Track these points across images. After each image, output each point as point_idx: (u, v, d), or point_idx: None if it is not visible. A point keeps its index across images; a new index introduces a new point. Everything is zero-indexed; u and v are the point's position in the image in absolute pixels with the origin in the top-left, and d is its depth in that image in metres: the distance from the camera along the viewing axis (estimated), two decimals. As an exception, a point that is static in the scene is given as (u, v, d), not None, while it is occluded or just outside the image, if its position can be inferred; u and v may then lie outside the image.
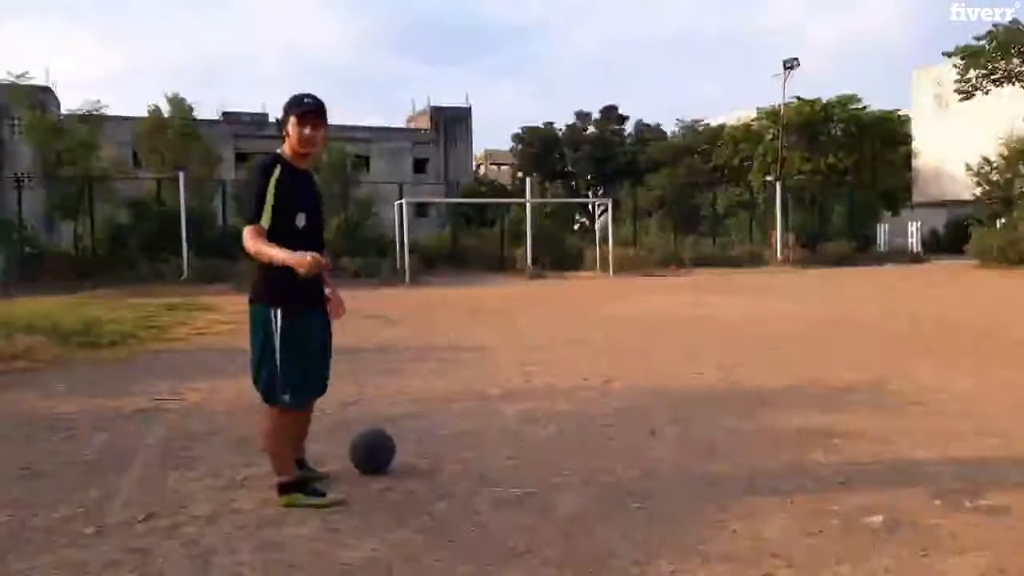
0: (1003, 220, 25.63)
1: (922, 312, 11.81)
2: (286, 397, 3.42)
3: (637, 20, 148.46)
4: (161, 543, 3.13)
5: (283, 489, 3.51)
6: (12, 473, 4.12)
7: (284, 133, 3.44)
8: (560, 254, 25.35)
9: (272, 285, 3.32)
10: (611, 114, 50.90)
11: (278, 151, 3.46)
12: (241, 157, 35.10)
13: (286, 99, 3.45)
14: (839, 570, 2.81)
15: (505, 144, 54.03)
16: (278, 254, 3.20)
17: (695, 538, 3.11)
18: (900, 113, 38.72)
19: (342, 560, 2.95)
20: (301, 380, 3.44)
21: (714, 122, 45.41)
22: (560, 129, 50.74)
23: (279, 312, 3.35)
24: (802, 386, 6.13)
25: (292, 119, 3.40)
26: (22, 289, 16.75)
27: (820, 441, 4.50)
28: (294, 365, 3.39)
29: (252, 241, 3.25)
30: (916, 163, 39.61)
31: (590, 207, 41.23)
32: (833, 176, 34.22)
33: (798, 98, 34.91)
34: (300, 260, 3.16)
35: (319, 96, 3.45)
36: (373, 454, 3.96)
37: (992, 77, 26.03)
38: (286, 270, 3.21)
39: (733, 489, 3.68)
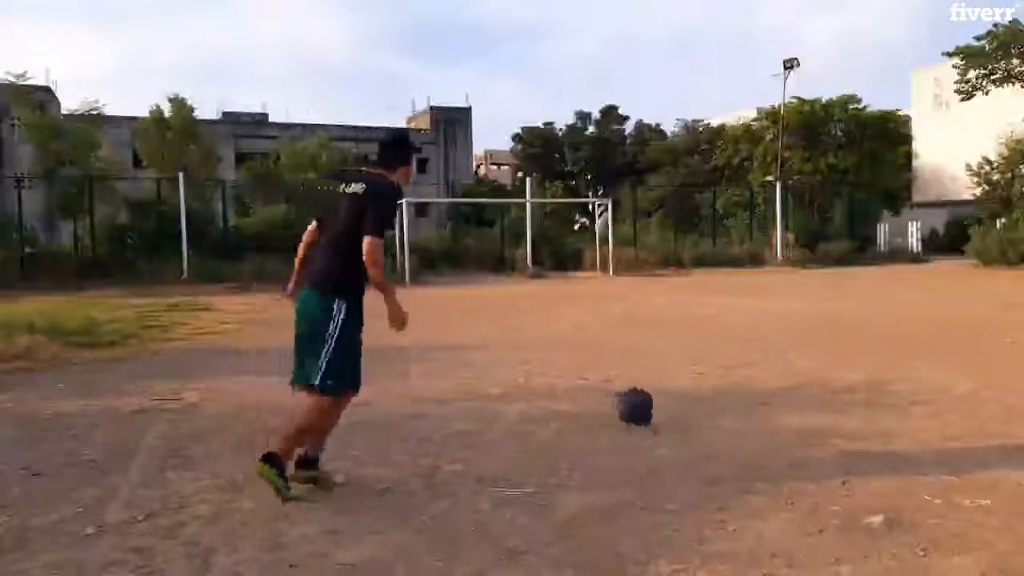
0: (1003, 220, 25.62)
1: (922, 312, 11.81)
2: (339, 386, 3.67)
3: (637, 20, 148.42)
4: (161, 543, 3.13)
5: (268, 460, 3.56)
6: (12, 473, 4.12)
7: (400, 164, 3.81)
8: (560, 254, 25.34)
9: (356, 288, 3.67)
10: (611, 114, 50.88)
11: (392, 179, 3.76)
12: (241, 157, 35.07)
13: (400, 135, 4.01)
14: (839, 570, 2.81)
15: (505, 144, 54.07)
16: (393, 295, 3.65)
17: (695, 538, 3.11)
18: (900, 113, 38.69)
19: (342, 560, 2.95)
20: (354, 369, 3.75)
21: (714, 122, 45.39)
22: (560, 129, 50.73)
23: (345, 306, 3.62)
24: (802, 386, 6.13)
25: (413, 157, 3.92)
26: (22, 289, 16.75)
27: (820, 441, 4.50)
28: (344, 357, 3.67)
29: (380, 258, 3.56)
30: (916, 163, 39.62)
31: (590, 207, 41.22)
32: (833, 176, 34.15)
33: (798, 98, 34.87)
34: (402, 318, 3.70)
35: None
36: (637, 410, 4.77)
37: (992, 77, 26.00)
38: (363, 276, 3.62)
39: (733, 489, 3.68)
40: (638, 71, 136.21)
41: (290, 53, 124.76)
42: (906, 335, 9.20)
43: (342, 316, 3.59)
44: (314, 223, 3.84)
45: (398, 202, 3.74)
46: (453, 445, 4.53)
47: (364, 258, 3.52)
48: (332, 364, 3.57)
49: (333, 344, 3.57)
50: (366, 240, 3.51)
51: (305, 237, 3.85)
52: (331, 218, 3.70)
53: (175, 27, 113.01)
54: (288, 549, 3.06)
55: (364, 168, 3.90)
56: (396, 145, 3.87)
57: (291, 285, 3.89)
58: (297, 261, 3.86)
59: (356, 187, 3.65)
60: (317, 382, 3.58)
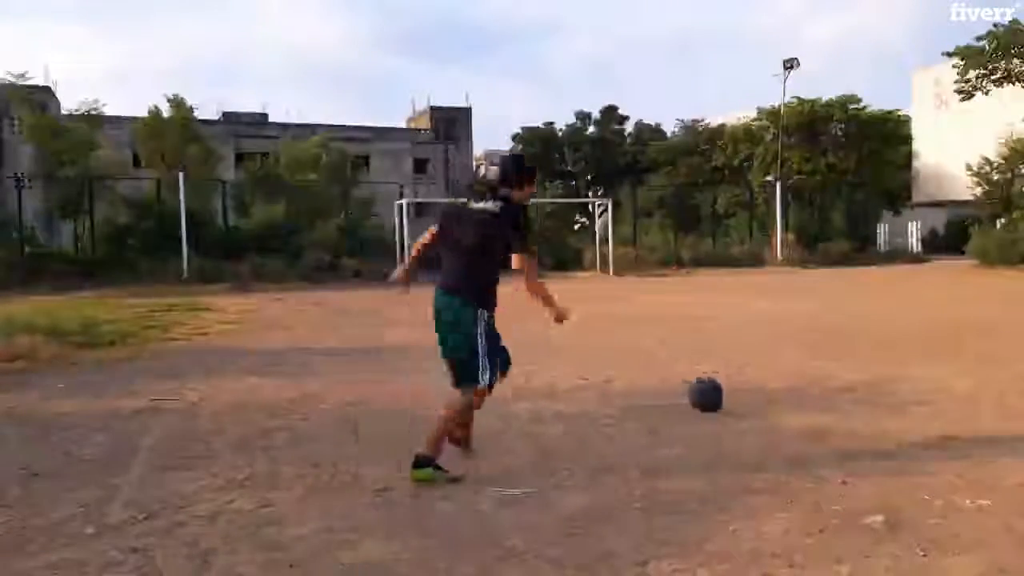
0: (1003, 220, 25.63)
1: (922, 312, 11.81)
2: (486, 378, 3.98)
3: (637, 20, 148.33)
4: (161, 543, 3.13)
5: (423, 463, 3.84)
6: (12, 473, 4.12)
7: (521, 185, 4.16)
8: (560, 254, 25.35)
9: (493, 297, 4.05)
10: (611, 114, 50.84)
11: (516, 197, 4.11)
12: (241, 157, 35.03)
13: (521, 157, 4.45)
14: (839, 570, 2.81)
15: (505, 144, 54.00)
16: (553, 297, 4.09)
17: (695, 538, 3.11)
18: (900, 113, 38.69)
19: (342, 560, 2.95)
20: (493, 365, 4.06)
21: (714, 122, 45.38)
22: (560, 129, 50.70)
23: (487, 315, 4.01)
24: (803, 386, 6.13)
25: (535, 180, 4.34)
26: (22, 289, 16.75)
27: (820, 441, 4.50)
28: (494, 354, 4.06)
29: (534, 271, 4.03)
30: (916, 163, 39.60)
31: (590, 207, 41.23)
32: (833, 176, 34.16)
33: (798, 98, 34.87)
34: (565, 316, 4.11)
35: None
36: (708, 398, 5.24)
37: (992, 77, 26.00)
38: (496, 285, 4.05)
39: (733, 489, 3.68)
40: (638, 71, 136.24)
41: (290, 53, 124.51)
42: (906, 335, 9.20)
43: (485, 322, 3.98)
44: (436, 229, 4.24)
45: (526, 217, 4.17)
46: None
47: (524, 269, 3.95)
48: (490, 361, 3.98)
49: (484, 347, 3.95)
50: (516, 258, 3.97)
51: (425, 238, 4.29)
52: (462, 232, 4.06)
53: (175, 27, 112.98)
54: (288, 549, 3.06)
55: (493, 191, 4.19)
56: (519, 166, 4.25)
57: (399, 273, 4.41)
58: (411, 256, 4.38)
59: (489, 205, 4.05)
60: (485, 383, 3.96)
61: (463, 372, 4.01)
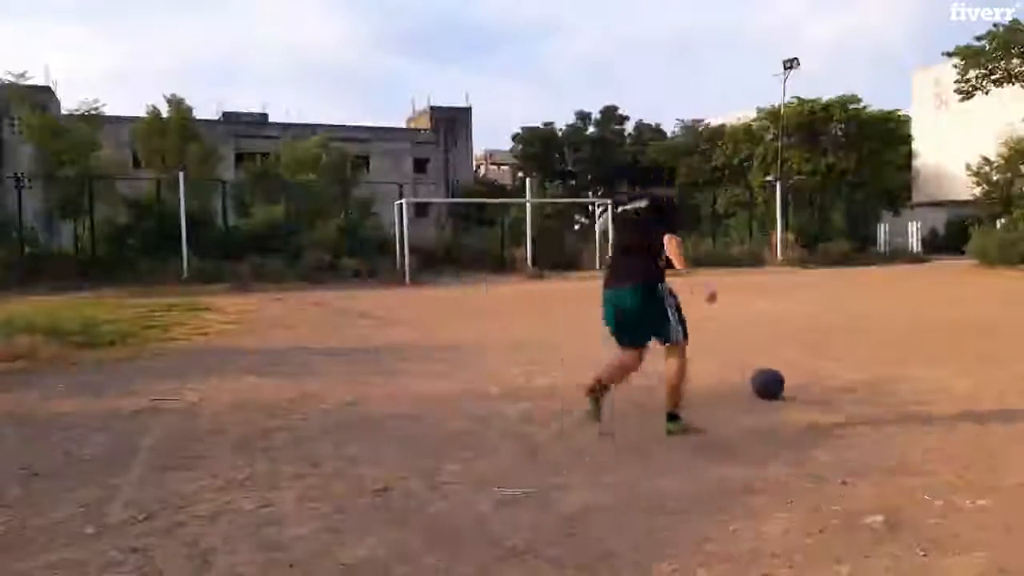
0: (1003, 220, 25.64)
1: (922, 312, 11.81)
2: (679, 335, 4.65)
3: (637, 20, 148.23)
4: (161, 543, 3.13)
5: (674, 418, 4.66)
6: (12, 473, 4.12)
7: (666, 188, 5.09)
8: (560, 254, 25.34)
9: (663, 273, 4.65)
10: (611, 114, 50.83)
11: (655, 195, 4.87)
12: (241, 157, 35.01)
13: (660, 174, 5.20)
14: (839, 570, 2.81)
15: (505, 144, 53.96)
16: (694, 277, 4.66)
17: (695, 538, 3.11)
18: (900, 113, 38.69)
19: (342, 560, 2.95)
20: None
21: (714, 122, 45.38)
22: (560, 129, 50.68)
23: (666, 287, 4.65)
24: (802, 386, 6.12)
25: (669, 182, 5.49)
26: (22, 289, 16.75)
27: (820, 441, 4.50)
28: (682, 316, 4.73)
29: (681, 248, 4.55)
30: (916, 163, 39.62)
31: (590, 207, 41.21)
32: (833, 176, 34.18)
33: (798, 98, 34.87)
34: (712, 291, 4.70)
35: None
36: (770, 387, 5.62)
37: (992, 77, 26.00)
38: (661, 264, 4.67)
39: (733, 489, 3.68)
40: (638, 71, 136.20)
41: (290, 53, 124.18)
42: (906, 335, 9.20)
43: (668, 293, 4.61)
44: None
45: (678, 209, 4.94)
46: (453, 445, 4.53)
47: (669, 250, 4.48)
48: (682, 323, 4.64)
49: (675, 311, 4.62)
50: (669, 238, 4.50)
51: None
52: (623, 230, 4.83)
53: (175, 27, 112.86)
54: (288, 549, 3.06)
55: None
56: (661, 179, 5.39)
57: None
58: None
59: (639, 203, 4.73)
60: (681, 339, 4.63)
61: (663, 336, 4.62)
